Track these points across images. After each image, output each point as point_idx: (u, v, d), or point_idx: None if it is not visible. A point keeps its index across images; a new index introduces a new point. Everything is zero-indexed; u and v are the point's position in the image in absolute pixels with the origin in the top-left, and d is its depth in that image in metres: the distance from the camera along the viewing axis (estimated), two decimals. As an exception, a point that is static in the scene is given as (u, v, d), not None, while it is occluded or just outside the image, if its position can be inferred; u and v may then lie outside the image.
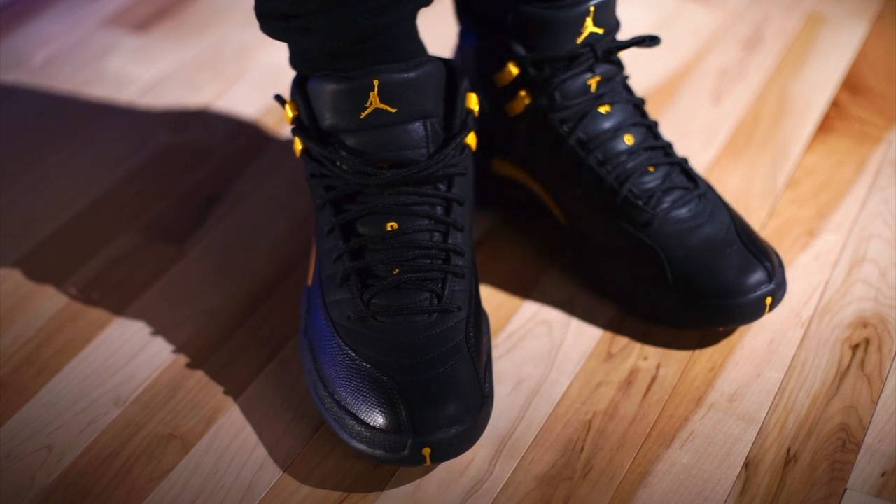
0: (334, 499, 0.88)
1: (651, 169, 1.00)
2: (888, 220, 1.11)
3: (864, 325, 1.01)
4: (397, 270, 0.92)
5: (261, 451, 0.92)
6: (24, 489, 0.89)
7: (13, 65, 1.34)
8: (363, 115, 0.92)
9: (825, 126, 1.23)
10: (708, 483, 0.89)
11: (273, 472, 0.90)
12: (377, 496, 0.88)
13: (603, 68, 1.01)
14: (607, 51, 1.01)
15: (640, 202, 0.99)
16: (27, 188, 1.17)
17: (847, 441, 0.92)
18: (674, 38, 1.36)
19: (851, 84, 1.29)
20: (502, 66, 1.01)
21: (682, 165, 1.02)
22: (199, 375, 0.97)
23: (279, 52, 1.36)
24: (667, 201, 0.99)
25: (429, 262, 0.92)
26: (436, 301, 0.91)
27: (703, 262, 0.97)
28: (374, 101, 0.92)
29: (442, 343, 0.89)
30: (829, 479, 0.89)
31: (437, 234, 0.93)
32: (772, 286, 0.97)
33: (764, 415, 0.94)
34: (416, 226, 0.93)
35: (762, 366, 0.98)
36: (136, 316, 1.03)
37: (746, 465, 0.90)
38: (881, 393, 0.95)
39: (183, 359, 0.99)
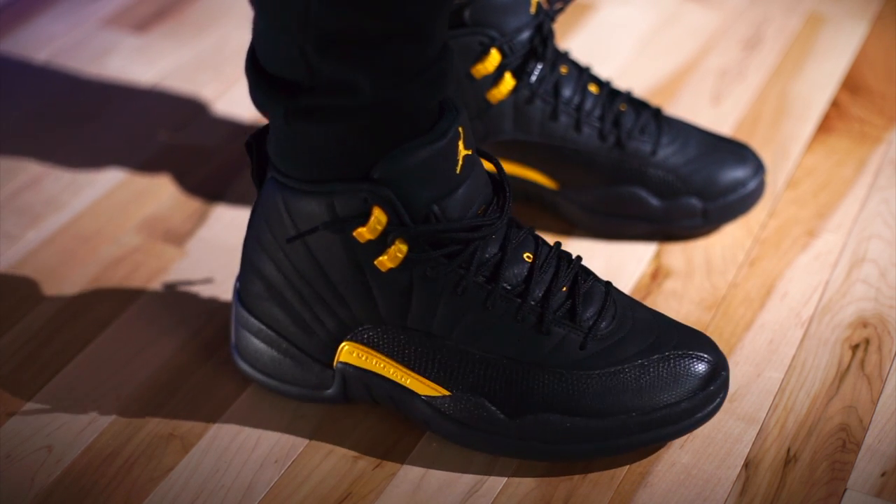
0: (334, 499, 0.88)
1: (623, 108, 1.09)
2: (888, 220, 1.11)
3: (864, 325, 1.01)
4: (565, 288, 0.89)
5: (261, 451, 0.92)
6: (24, 489, 0.89)
7: (13, 65, 1.34)
8: (458, 169, 0.85)
9: (825, 126, 1.23)
10: (708, 483, 0.89)
11: (273, 472, 0.90)
12: (377, 496, 0.88)
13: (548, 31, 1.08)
14: (553, 12, 1.08)
15: (641, 136, 1.08)
16: (27, 187, 1.17)
17: (847, 441, 0.92)
18: (674, 38, 1.36)
19: (851, 84, 1.29)
20: (485, 54, 1.04)
21: (628, 96, 1.10)
22: (199, 375, 0.97)
23: (279, 52, 1.36)
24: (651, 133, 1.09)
25: (567, 266, 0.90)
26: (604, 290, 0.91)
27: (705, 162, 1.09)
28: (461, 150, 0.85)
29: (643, 312, 0.92)
30: (829, 479, 0.89)
31: (541, 240, 0.91)
32: None
33: (764, 415, 0.94)
34: (534, 244, 0.90)
35: (762, 366, 0.98)
36: (136, 316, 1.03)
37: (746, 465, 0.90)
38: (881, 393, 0.95)
39: (183, 359, 0.99)
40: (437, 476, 0.90)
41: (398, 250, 0.85)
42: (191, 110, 1.27)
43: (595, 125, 1.07)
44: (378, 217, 0.84)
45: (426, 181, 0.84)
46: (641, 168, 1.07)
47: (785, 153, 1.19)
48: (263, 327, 0.92)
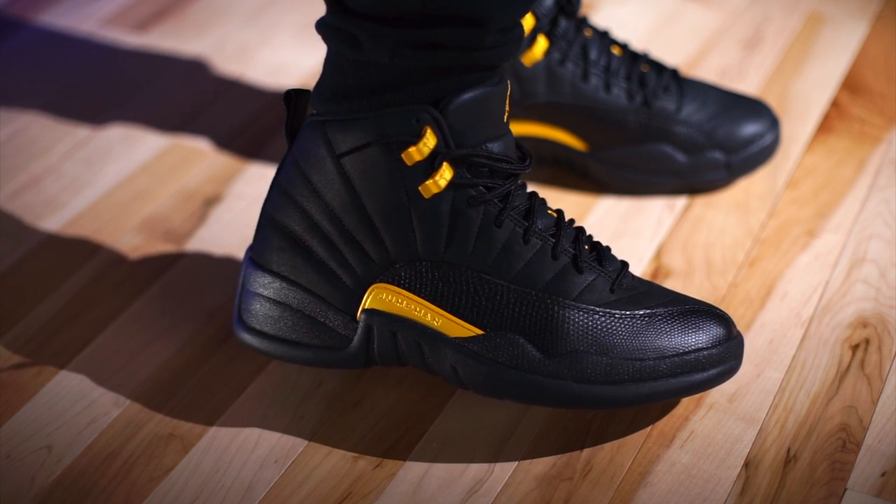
0: (334, 499, 0.88)
1: (644, 69, 1.14)
2: (888, 220, 1.11)
3: (864, 325, 1.01)
4: (587, 246, 0.92)
5: (261, 451, 0.92)
6: (24, 489, 0.89)
7: (12, 65, 1.34)
8: (505, 118, 0.89)
9: (825, 126, 1.23)
10: (708, 483, 0.89)
11: (273, 472, 0.90)
12: (377, 496, 0.88)
13: None
14: None
15: (665, 95, 1.13)
16: (27, 187, 1.17)
17: (847, 441, 0.92)
18: (674, 38, 1.36)
19: (851, 84, 1.29)
20: None
21: (647, 58, 1.15)
22: (199, 375, 0.97)
23: (279, 51, 1.36)
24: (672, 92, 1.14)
25: (586, 234, 0.93)
26: (620, 261, 0.94)
27: (725, 118, 1.14)
28: (507, 105, 0.89)
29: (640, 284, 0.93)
30: (829, 479, 0.89)
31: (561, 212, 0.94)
32: None
33: (764, 415, 0.94)
34: (550, 206, 0.93)
35: (762, 366, 0.98)
36: (137, 316, 1.03)
37: (746, 465, 0.90)
38: (881, 393, 0.95)
39: (183, 359, 0.99)
40: (437, 476, 0.90)
41: (444, 173, 0.87)
42: (191, 110, 1.27)
43: (622, 85, 1.12)
44: (429, 137, 0.86)
45: (481, 120, 0.87)
46: (667, 126, 1.12)
47: (785, 153, 1.19)
48: (281, 282, 0.91)
